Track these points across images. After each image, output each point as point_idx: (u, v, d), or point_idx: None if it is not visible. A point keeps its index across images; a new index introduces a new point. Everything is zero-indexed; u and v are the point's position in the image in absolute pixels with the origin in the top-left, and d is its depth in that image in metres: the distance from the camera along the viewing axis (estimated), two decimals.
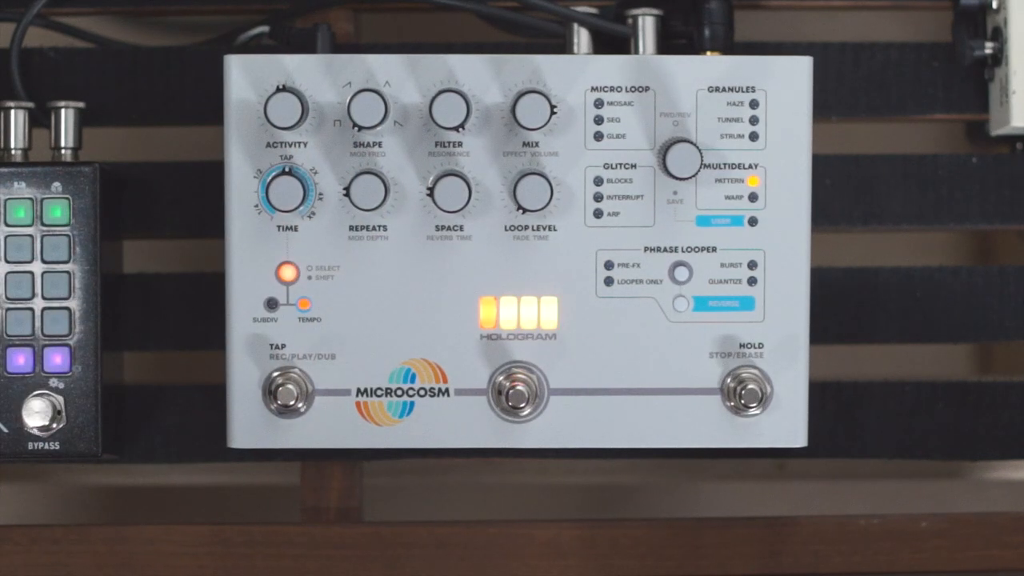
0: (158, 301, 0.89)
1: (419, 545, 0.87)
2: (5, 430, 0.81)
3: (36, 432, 0.81)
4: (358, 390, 0.79)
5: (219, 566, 0.86)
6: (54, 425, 0.81)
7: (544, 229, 0.79)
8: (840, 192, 0.89)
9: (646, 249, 0.79)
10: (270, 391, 0.78)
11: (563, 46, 0.85)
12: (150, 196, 0.89)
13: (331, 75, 0.78)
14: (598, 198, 0.78)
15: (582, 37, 0.84)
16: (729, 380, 0.79)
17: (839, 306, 0.89)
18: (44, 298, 0.81)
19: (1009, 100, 0.85)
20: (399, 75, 0.78)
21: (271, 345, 0.78)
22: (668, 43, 0.85)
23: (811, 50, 0.89)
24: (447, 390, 0.79)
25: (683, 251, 0.79)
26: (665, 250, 0.79)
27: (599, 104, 0.78)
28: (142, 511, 1.04)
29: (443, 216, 0.78)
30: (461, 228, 0.78)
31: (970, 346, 1.09)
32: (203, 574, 0.86)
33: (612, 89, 0.78)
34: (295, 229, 0.78)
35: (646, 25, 0.84)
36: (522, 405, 0.78)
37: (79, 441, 0.81)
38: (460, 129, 0.77)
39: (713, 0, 0.83)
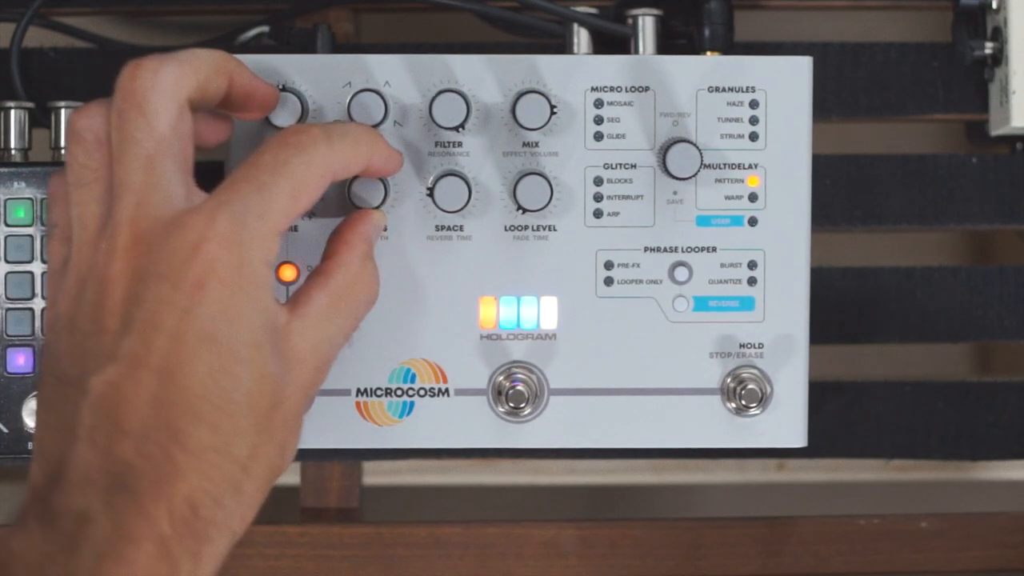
0: None
1: (419, 545, 0.87)
2: (5, 430, 0.81)
3: None
4: (358, 390, 0.79)
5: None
6: None
7: (544, 229, 0.79)
8: (840, 192, 0.89)
9: (646, 249, 0.79)
10: None
11: (563, 46, 0.85)
12: None
13: (331, 75, 0.77)
14: (598, 198, 0.78)
15: (582, 37, 0.84)
16: (729, 380, 0.79)
17: (839, 306, 0.89)
18: (44, 298, 0.81)
19: (1009, 100, 0.85)
20: (399, 75, 0.78)
21: None
22: (668, 43, 0.85)
23: (811, 50, 0.89)
24: (447, 390, 0.79)
25: (683, 251, 0.79)
26: (665, 250, 0.79)
27: (599, 104, 0.78)
28: None
29: (443, 216, 0.78)
30: (461, 228, 0.78)
31: (970, 346, 1.10)
32: None
33: (612, 89, 0.78)
34: (295, 229, 0.78)
35: (646, 25, 0.84)
36: (522, 405, 0.78)
37: None
38: (460, 129, 0.77)
39: (713, 0, 0.83)
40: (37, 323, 0.81)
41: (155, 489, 0.61)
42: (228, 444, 0.63)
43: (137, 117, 0.65)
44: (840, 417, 0.89)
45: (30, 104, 0.84)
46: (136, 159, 0.65)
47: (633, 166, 0.79)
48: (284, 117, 0.76)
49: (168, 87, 0.65)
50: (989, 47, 0.86)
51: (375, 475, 0.93)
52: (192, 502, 0.62)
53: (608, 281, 0.79)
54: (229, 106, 0.71)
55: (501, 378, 0.79)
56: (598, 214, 0.78)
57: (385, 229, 0.78)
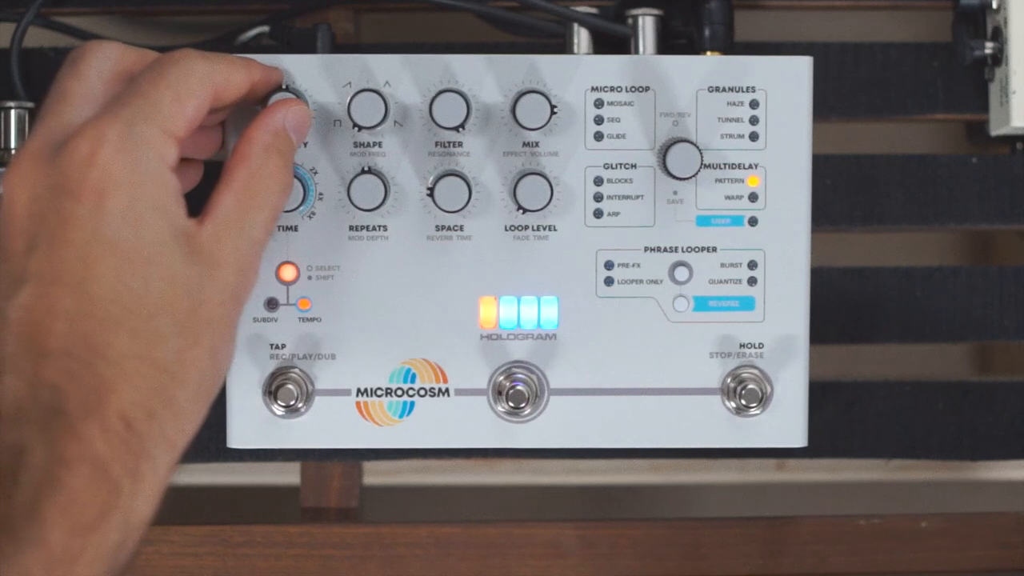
0: None
1: (419, 545, 0.87)
2: None
3: None
4: (358, 390, 0.79)
5: (219, 566, 0.86)
6: None
7: (544, 229, 0.79)
8: (840, 192, 0.89)
9: (646, 249, 0.79)
10: (270, 391, 0.78)
11: (563, 46, 0.85)
12: None
13: (331, 75, 0.78)
14: (598, 198, 0.78)
15: (582, 37, 0.85)
16: (729, 380, 0.79)
17: (839, 306, 0.89)
18: None
19: (1009, 100, 0.85)
20: (399, 75, 0.78)
21: (271, 345, 0.78)
22: (668, 43, 0.85)
23: (811, 50, 0.89)
24: (447, 390, 0.79)
25: (683, 251, 0.79)
26: (665, 250, 0.79)
27: (599, 104, 0.78)
28: None
29: (443, 216, 0.78)
30: (461, 228, 0.78)
31: (970, 346, 1.09)
32: (203, 574, 0.86)
33: (612, 89, 0.78)
34: (295, 229, 0.78)
35: (646, 25, 0.84)
36: (522, 405, 0.78)
37: None
38: (460, 129, 0.77)
39: (713, 0, 0.83)
40: None
41: (84, 407, 0.60)
42: (150, 350, 0.63)
43: (69, 66, 0.68)
44: (840, 417, 0.89)
45: (30, 104, 0.84)
46: (52, 98, 0.67)
47: (633, 166, 0.79)
48: None
49: (105, 51, 0.68)
50: (989, 47, 0.86)
51: (375, 475, 0.93)
52: (125, 416, 0.61)
53: (608, 281, 0.79)
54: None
55: (501, 378, 0.79)
56: (598, 214, 0.79)
57: (385, 229, 0.78)
